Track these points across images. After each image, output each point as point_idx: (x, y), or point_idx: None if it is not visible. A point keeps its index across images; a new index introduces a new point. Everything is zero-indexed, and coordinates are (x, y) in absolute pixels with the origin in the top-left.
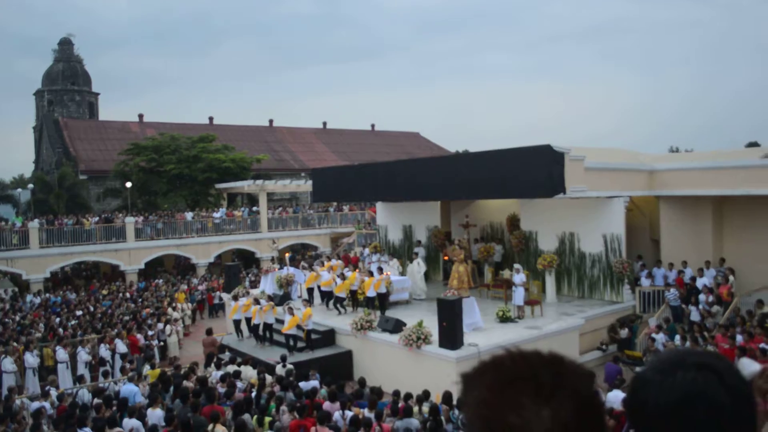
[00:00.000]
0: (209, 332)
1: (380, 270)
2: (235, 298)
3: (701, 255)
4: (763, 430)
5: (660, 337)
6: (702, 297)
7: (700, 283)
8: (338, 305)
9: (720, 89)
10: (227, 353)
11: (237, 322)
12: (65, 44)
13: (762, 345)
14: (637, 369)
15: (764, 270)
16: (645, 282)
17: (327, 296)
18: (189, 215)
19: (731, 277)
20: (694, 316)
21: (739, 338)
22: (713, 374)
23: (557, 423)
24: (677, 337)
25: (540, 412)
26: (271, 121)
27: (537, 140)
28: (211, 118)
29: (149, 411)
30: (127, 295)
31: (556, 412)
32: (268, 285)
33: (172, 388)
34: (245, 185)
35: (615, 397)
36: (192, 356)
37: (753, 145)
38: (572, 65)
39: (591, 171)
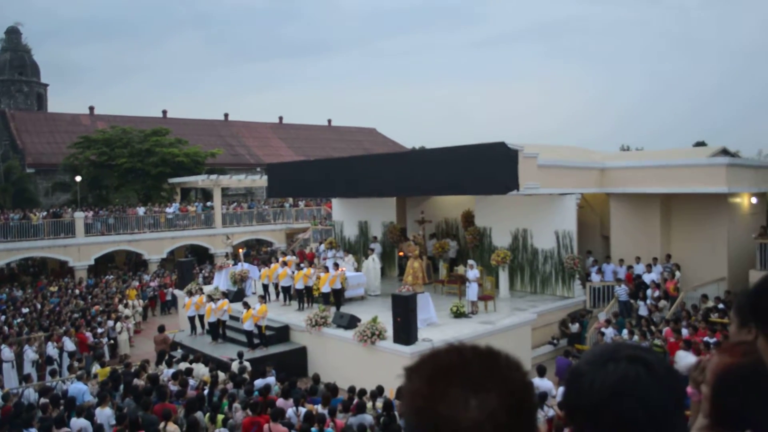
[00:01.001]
0: (161, 329)
1: (336, 266)
2: (189, 293)
3: (650, 251)
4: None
5: (609, 332)
6: (649, 292)
7: (648, 278)
8: (299, 299)
9: (675, 89)
10: (179, 350)
11: (191, 319)
12: (12, 33)
13: (706, 338)
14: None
15: (708, 266)
16: (595, 278)
17: (284, 291)
18: (141, 210)
19: (677, 273)
20: (642, 310)
21: (685, 332)
22: (643, 366)
23: (485, 412)
24: (625, 332)
25: (469, 402)
26: (226, 115)
27: (491, 137)
28: (164, 112)
29: (98, 410)
30: (76, 291)
31: (484, 401)
32: (221, 281)
33: (122, 387)
34: (199, 180)
35: None
36: (143, 354)
37: (700, 144)
38: (523, 63)
39: (544, 168)
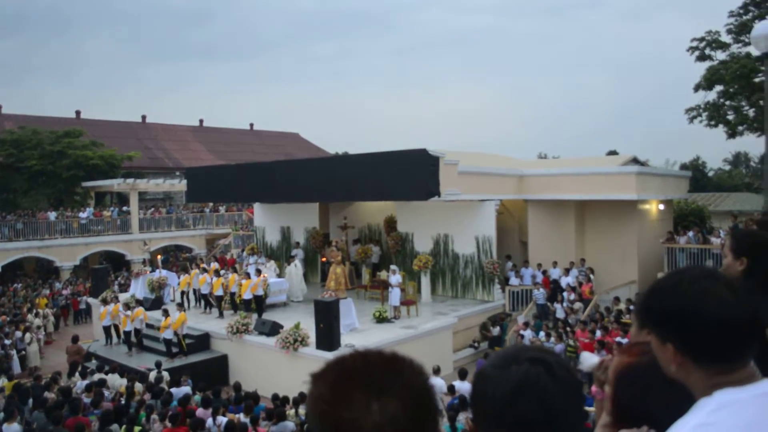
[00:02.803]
0: (75, 339)
1: (258, 272)
2: (104, 302)
3: (566, 256)
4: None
5: (528, 334)
6: (566, 295)
7: (564, 282)
8: (218, 306)
9: (590, 101)
10: (94, 361)
11: (106, 329)
12: None
13: (618, 339)
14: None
15: (620, 269)
16: (514, 281)
17: (204, 298)
18: (52, 215)
19: (592, 276)
20: (559, 313)
21: (598, 333)
22: (543, 367)
23: (386, 416)
24: (542, 334)
25: (370, 406)
26: (143, 117)
27: (411, 144)
28: (78, 112)
29: (5, 426)
30: None
31: (385, 405)
32: (138, 288)
33: (30, 400)
34: (115, 184)
35: None
36: (55, 365)
37: (612, 153)
38: (441, 72)
39: (464, 175)
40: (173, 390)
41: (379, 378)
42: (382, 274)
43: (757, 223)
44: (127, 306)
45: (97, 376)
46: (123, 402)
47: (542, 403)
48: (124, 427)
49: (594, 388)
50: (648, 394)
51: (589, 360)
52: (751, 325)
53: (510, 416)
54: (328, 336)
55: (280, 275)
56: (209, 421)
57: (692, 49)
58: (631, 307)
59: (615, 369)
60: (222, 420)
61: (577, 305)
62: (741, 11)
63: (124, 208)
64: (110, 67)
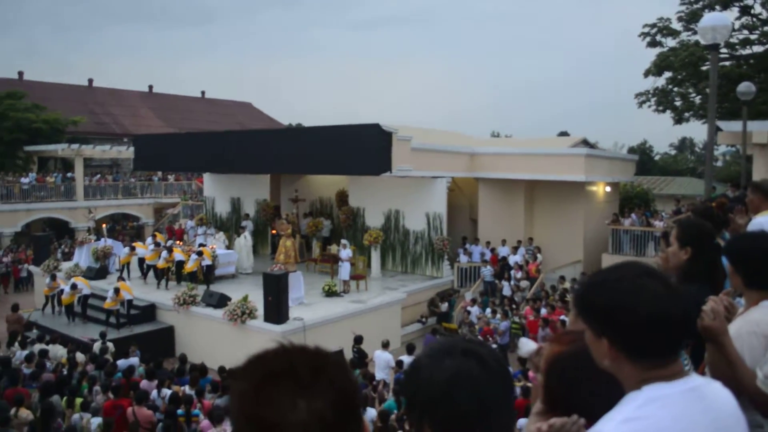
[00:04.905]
0: (15, 308)
1: (198, 253)
2: (53, 278)
3: (514, 234)
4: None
5: (474, 310)
6: (513, 273)
7: (512, 260)
8: (157, 277)
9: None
10: (35, 331)
11: (50, 298)
12: None
13: (562, 317)
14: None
15: (566, 249)
16: (463, 258)
17: (150, 270)
18: None
19: (539, 256)
20: (506, 290)
21: (543, 311)
22: (476, 359)
23: (312, 414)
24: (489, 310)
25: (296, 404)
26: (90, 81)
27: (364, 118)
28: (20, 73)
29: None
30: None
31: (311, 403)
32: (83, 257)
33: None
34: (59, 149)
35: None
36: None
37: (564, 134)
38: (399, 47)
39: (417, 151)
40: (119, 361)
41: (304, 376)
42: (333, 248)
43: (695, 210)
44: (74, 286)
45: (37, 347)
46: (65, 373)
47: (474, 394)
48: (65, 398)
49: (531, 374)
50: (579, 383)
51: (526, 346)
52: (683, 323)
53: (443, 406)
54: (276, 309)
55: (229, 247)
56: (154, 393)
57: (644, 35)
58: (576, 287)
59: (546, 358)
60: (166, 392)
61: (524, 283)
62: (692, 0)
63: (69, 175)
64: (56, 27)
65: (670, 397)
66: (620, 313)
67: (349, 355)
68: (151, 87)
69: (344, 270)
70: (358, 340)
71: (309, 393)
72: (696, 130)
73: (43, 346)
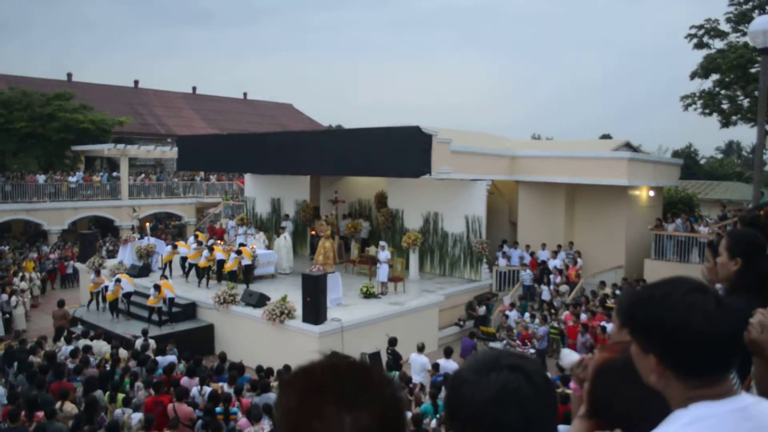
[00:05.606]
0: (61, 304)
1: (238, 252)
2: (97, 273)
3: (554, 238)
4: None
5: (513, 314)
6: (552, 277)
7: (552, 264)
8: (198, 276)
9: (588, 82)
10: (80, 326)
11: (96, 295)
12: None
13: (602, 323)
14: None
15: (607, 254)
16: (501, 262)
17: (191, 268)
18: (41, 178)
19: (579, 260)
20: (545, 295)
21: (583, 316)
22: (523, 375)
23: (357, 429)
24: (527, 315)
25: (342, 419)
26: (136, 82)
27: (407, 120)
28: (69, 75)
29: None
30: None
31: (356, 418)
32: (126, 255)
33: (16, 364)
34: (105, 149)
35: None
36: (41, 329)
37: (606, 137)
38: (438, 47)
39: (456, 154)
40: (159, 358)
41: (351, 390)
42: (371, 250)
43: (741, 219)
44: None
45: (82, 342)
46: (108, 368)
47: (521, 411)
48: (107, 393)
49: (572, 385)
50: (623, 392)
51: (569, 357)
52: (734, 342)
53: (488, 422)
54: (314, 310)
55: (269, 247)
56: (194, 390)
57: (690, 36)
58: (617, 292)
59: (595, 364)
60: (206, 390)
61: (563, 288)
62: (741, 0)
63: (114, 174)
64: (105, 30)
65: (718, 417)
66: (669, 331)
67: (384, 356)
68: (194, 88)
69: (382, 272)
70: (393, 342)
71: (356, 408)
72: (744, 134)
73: (87, 341)
